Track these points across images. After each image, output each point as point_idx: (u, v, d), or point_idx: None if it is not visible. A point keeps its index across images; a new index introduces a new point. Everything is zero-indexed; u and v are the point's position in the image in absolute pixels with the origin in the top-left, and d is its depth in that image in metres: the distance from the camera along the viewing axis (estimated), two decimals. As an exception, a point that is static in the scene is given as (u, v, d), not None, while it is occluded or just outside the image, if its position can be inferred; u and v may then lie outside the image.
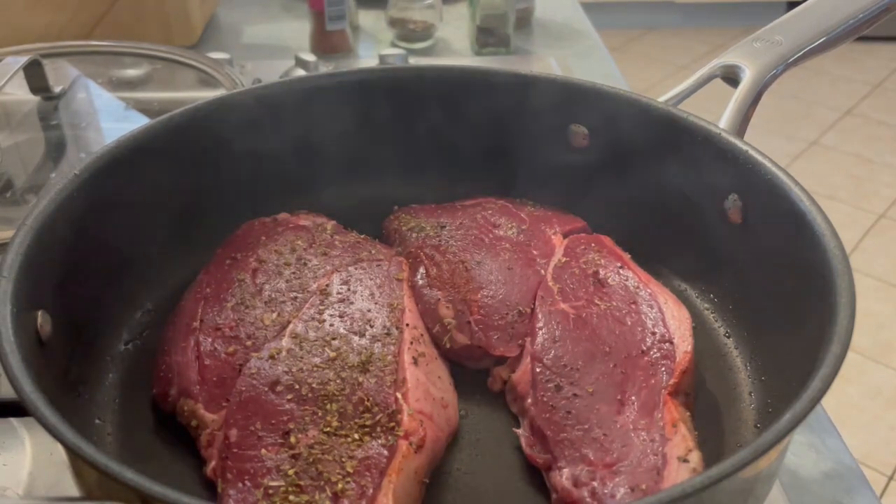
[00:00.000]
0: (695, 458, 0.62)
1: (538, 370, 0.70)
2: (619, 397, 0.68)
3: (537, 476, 0.67)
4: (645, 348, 0.71)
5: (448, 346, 0.76)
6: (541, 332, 0.73)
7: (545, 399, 0.68)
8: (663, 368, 0.69)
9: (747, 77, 0.83)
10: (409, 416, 0.64)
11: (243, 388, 0.66)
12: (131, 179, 0.77)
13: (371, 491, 0.59)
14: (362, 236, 0.86)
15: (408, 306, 0.76)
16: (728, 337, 0.79)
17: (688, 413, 0.68)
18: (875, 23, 0.90)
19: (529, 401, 0.69)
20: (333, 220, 0.88)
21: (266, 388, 0.66)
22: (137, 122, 0.81)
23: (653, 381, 0.68)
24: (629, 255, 0.82)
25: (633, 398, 0.67)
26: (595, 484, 0.62)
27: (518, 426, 0.71)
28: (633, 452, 0.63)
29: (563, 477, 0.63)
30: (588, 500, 0.61)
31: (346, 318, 0.73)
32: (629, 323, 0.74)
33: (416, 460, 0.63)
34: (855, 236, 2.94)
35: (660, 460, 0.62)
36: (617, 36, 4.25)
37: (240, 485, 0.59)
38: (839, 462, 0.75)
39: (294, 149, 0.90)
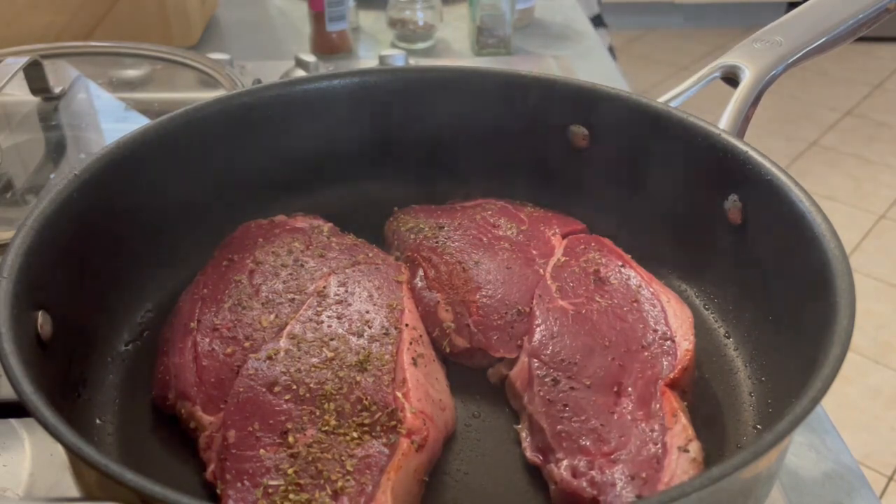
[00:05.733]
0: (695, 448, 0.62)
1: (535, 366, 0.70)
2: (615, 389, 0.68)
3: (538, 475, 0.67)
4: (645, 344, 0.71)
5: (448, 350, 0.76)
6: (538, 329, 0.73)
7: (542, 394, 0.68)
8: (664, 362, 0.69)
9: (747, 77, 0.83)
10: (411, 415, 0.64)
11: (241, 389, 0.66)
12: (131, 180, 0.77)
13: (370, 488, 0.59)
14: (359, 239, 0.86)
15: (407, 307, 0.76)
16: (728, 337, 0.79)
17: (685, 404, 0.68)
18: (875, 23, 0.90)
19: (527, 397, 0.70)
20: (330, 222, 0.88)
21: (264, 389, 0.66)
22: (137, 123, 0.81)
23: (650, 373, 0.68)
24: (629, 256, 0.82)
25: (630, 389, 0.68)
26: (594, 473, 0.62)
27: (518, 423, 0.71)
28: (631, 442, 0.63)
29: (561, 468, 0.63)
30: (588, 489, 0.61)
31: (343, 320, 0.73)
32: (630, 320, 0.74)
33: (416, 459, 0.63)
34: (855, 237, 2.94)
35: (660, 449, 0.62)
36: (617, 36, 4.25)
37: (239, 485, 0.59)
38: (839, 462, 0.75)
39: (292, 150, 0.90)
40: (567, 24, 1.65)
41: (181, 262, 0.83)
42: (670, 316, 0.74)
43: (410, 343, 0.72)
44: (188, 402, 0.68)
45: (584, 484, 0.61)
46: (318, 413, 0.64)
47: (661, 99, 0.84)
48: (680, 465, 0.61)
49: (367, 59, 1.49)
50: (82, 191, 0.71)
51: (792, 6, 0.96)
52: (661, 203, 0.84)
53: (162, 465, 0.68)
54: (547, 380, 0.69)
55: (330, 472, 0.60)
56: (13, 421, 0.74)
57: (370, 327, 0.73)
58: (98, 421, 0.70)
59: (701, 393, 0.73)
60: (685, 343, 0.71)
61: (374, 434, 0.63)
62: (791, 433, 0.51)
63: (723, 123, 0.80)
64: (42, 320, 0.63)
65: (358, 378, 0.67)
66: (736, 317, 0.79)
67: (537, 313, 0.75)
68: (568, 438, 0.65)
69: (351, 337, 0.71)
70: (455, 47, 1.54)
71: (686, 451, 0.62)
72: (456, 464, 0.69)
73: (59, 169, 1.08)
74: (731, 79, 0.85)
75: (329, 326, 0.72)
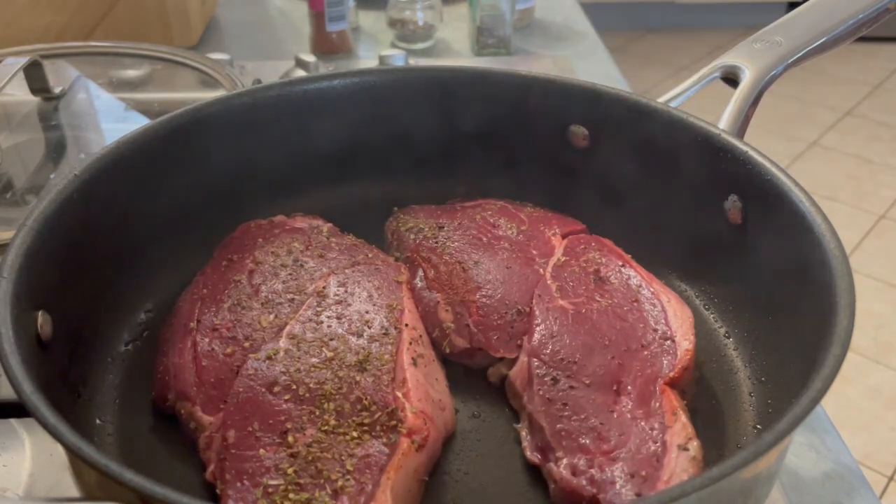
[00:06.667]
0: (694, 446, 0.62)
1: (535, 365, 0.70)
2: (615, 387, 0.68)
3: (538, 475, 0.67)
4: (645, 343, 0.72)
5: (447, 350, 0.76)
6: (538, 329, 0.73)
7: (542, 393, 0.68)
8: (664, 361, 0.69)
9: (747, 78, 0.83)
10: (412, 414, 0.64)
11: (241, 389, 0.66)
12: (131, 180, 0.77)
13: (370, 488, 0.59)
14: (359, 240, 0.86)
15: (407, 307, 0.76)
16: (728, 337, 0.79)
17: (684, 403, 0.68)
18: (875, 23, 0.90)
19: (526, 397, 0.70)
20: (330, 222, 0.88)
21: (263, 389, 0.66)
22: (137, 123, 0.81)
23: (649, 372, 0.69)
24: (629, 256, 0.82)
25: (630, 387, 0.68)
26: (593, 471, 0.62)
27: (518, 423, 0.71)
28: (631, 440, 0.63)
29: (561, 467, 0.63)
30: (587, 487, 0.61)
31: (343, 320, 0.73)
32: (630, 319, 0.74)
33: (416, 459, 0.63)
34: (855, 237, 2.94)
35: (660, 448, 0.62)
36: (617, 36, 4.25)
37: (239, 484, 0.59)
38: (839, 463, 0.75)
39: (292, 150, 0.90)
40: (567, 24, 1.65)
41: (181, 262, 0.83)
42: (670, 316, 0.74)
43: (410, 343, 0.72)
44: (188, 403, 0.68)
45: (584, 482, 0.62)
46: (317, 413, 0.64)
47: (661, 99, 0.84)
48: (679, 463, 0.61)
49: (367, 59, 1.49)
50: (82, 191, 0.71)
51: (792, 6, 0.96)
52: (661, 203, 0.84)
53: (162, 465, 0.68)
54: (546, 379, 0.69)
55: (330, 472, 0.60)
56: (13, 421, 0.74)
57: (370, 327, 0.73)
58: (98, 421, 0.70)
59: (701, 393, 0.73)
60: (685, 343, 0.71)
61: (373, 434, 0.63)
62: (791, 433, 0.51)
63: (723, 123, 0.80)
64: (42, 320, 0.63)
65: (358, 378, 0.67)
66: (736, 317, 0.79)
67: (537, 313, 0.75)
68: (567, 437, 0.65)
69: (350, 337, 0.71)
70: (455, 47, 1.54)
71: (686, 449, 0.62)
72: (456, 464, 0.69)
73: (59, 169, 1.08)
74: (731, 79, 0.85)
75: (329, 326, 0.72)
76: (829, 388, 0.53)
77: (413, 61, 1.38)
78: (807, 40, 0.86)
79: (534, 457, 0.67)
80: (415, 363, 0.70)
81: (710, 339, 0.79)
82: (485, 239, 0.84)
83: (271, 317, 0.73)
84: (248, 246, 0.82)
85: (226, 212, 0.86)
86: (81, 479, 0.56)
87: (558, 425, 0.66)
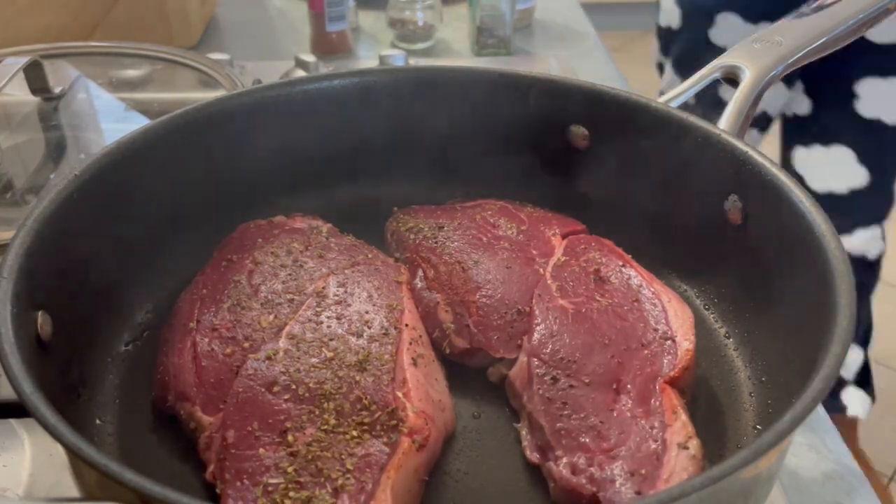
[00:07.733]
0: (694, 445, 0.62)
1: (535, 364, 0.70)
2: (615, 386, 0.68)
3: (538, 475, 0.67)
4: (645, 342, 0.71)
5: (448, 351, 0.76)
6: (537, 329, 0.73)
7: (541, 392, 0.68)
8: (664, 360, 0.69)
9: (747, 77, 0.83)
10: (413, 414, 0.64)
11: (240, 390, 0.66)
12: (131, 181, 0.77)
13: (371, 487, 0.59)
14: (359, 240, 0.86)
15: (407, 307, 0.76)
16: (728, 337, 0.79)
17: (684, 402, 0.68)
18: (875, 23, 0.90)
19: (526, 396, 0.70)
20: (330, 223, 0.88)
21: (263, 389, 0.66)
22: (137, 123, 0.81)
23: (649, 370, 0.69)
24: (630, 256, 0.82)
25: (630, 386, 0.68)
26: (593, 470, 0.62)
27: (518, 423, 0.71)
28: (631, 439, 0.63)
29: (560, 466, 0.63)
30: (587, 486, 0.61)
31: (343, 320, 0.73)
32: (630, 319, 0.74)
33: (416, 458, 0.63)
34: (855, 237, 2.93)
35: (660, 446, 0.62)
36: (618, 37, 4.25)
37: (238, 484, 0.59)
38: (839, 463, 0.75)
39: (292, 150, 0.90)
40: (567, 24, 1.65)
41: (181, 262, 0.83)
42: (671, 316, 0.74)
43: (410, 343, 0.72)
44: (187, 403, 0.68)
45: (584, 481, 0.62)
46: (317, 412, 0.64)
47: (662, 99, 0.84)
48: (679, 461, 0.61)
49: (367, 59, 1.49)
50: (82, 191, 0.71)
51: (792, 6, 0.95)
52: (662, 203, 0.84)
53: (162, 465, 0.68)
54: (546, 378, 0.69)
55: (330, 471, 0.60)
56: (13, 421, 0.74)
57: (370, 327, 0.73)
58: (98, 421, 0.70)
59: (701, 393, 0.73)
60: (686, 343, 0.71)
61: (374, 433, 0.63)
62: (791, 433, 0.51)
63: (723, 123, 0.80)
64: (42, 320, 0.63)
65: (357, 378, 0.67)
66: (736, 317, 0.79)
67: (537, 312, 0.75)
68: (567, 436, 0.65)
69: (350, 337, 0.71)
70: (455, 47, 1.54)
71: (686, 447, 0.62)
72: (456, 464, 0.69)
73: (59, 169, 1.08)
74: (732, 79, 0.85)
75: (328, 327, 0.72)
76: (829, 388, 0.53)
77: (413, 61, 1.38)
78: (807, 40, 0.86)
79: (533, 456, 0.67)
80: (415, 363, 0.70)
81: (710, 339, 0.79)
82: (485, 239, 0.84)
83: (271, 317, 0.73)
84: (248, 246, 0.82)
85: (225, 212, 0.86)
86: (81, 479, 0.56)
87: (558, 424, 0.66)
